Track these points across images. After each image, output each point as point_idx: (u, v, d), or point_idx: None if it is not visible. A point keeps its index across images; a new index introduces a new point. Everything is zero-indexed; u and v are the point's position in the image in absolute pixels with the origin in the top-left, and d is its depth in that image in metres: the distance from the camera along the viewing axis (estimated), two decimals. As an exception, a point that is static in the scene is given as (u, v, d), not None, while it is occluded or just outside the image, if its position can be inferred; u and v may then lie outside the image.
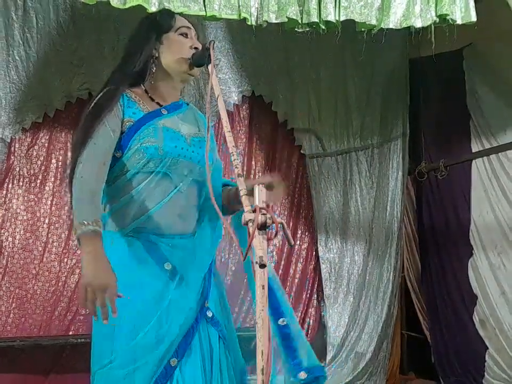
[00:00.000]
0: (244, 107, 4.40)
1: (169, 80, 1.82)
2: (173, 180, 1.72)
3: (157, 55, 1.80)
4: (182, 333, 1.65)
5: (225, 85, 4.19)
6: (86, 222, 1.51)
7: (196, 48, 1.79)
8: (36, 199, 3.82)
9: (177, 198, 1.71)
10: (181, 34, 1.82)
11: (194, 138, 1.80)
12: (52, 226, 3.84)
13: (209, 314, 1.71)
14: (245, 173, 4.32)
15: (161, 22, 1.83)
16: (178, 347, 1.63)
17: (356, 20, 2.82)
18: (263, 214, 1.23)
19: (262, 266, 1.19)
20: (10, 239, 3.74)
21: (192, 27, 1.85)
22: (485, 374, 4.07)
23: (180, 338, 1.64)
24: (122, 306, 1.53)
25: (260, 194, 1.30)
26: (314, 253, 4.52)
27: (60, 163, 3.89)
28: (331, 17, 2.73)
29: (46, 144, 3.87)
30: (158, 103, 1.79)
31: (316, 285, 4.51)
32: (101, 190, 1.63)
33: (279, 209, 4.46)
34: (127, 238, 1.67)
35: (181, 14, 2.54)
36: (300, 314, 4.44)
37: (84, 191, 1.57)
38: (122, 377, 1.56)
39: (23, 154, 3.82)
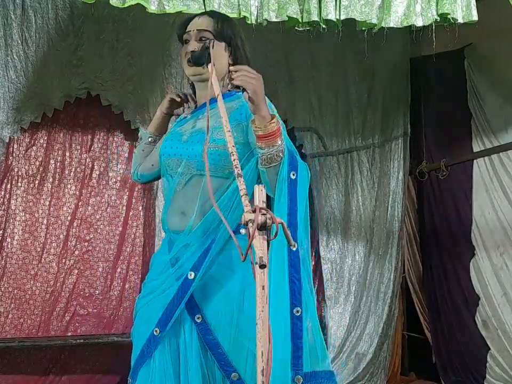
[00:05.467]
0: (243, 106, 4.38)
1: (195, 85, 1.91)
2: (174, 179, 1.80)
3: None
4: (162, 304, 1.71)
5: (224, 84, 4.17)
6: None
7: (191, 51, 1.81)
8: (34, 199, 3.81)
9: (176, 196, 1.79)
10: (185, 42, 1.87)
11: (198, 133, 1.77)
12: (50, 227, 3.83)
13: (198, 319, 1.67)
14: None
15: (178, 37, 1.93)
16: (161, 317, 1.69)
17: (357, 19, 2.80)
18: (263, 214, 1.22)
19: (262, 266, 1.18)
20: (8, 239, 3.74)
21: (193, 30, 1.84)
22: (486, 374, 4.06)
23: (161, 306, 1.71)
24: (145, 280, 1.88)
25: (260, 194, 1.28)
26: (315, 253, 4.50)
27: (59, 163, 3.89)
28: (331, 16, 2.71)
29: (45, 145, 3.87)
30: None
31: (317, 285, 4.50)
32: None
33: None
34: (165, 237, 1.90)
35: (180, 12, 2.57)
36: (300, 315, 4.42)
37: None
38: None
39: (21, 155, 3.81)
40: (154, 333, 1.69)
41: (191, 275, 1.67)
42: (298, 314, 1.57)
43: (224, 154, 1.68)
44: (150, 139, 2.01)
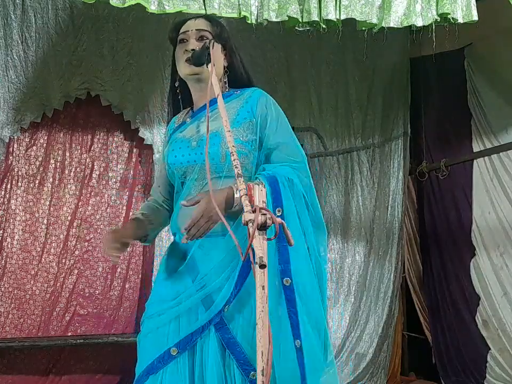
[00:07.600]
0: (243, 106, 4.37)
1: (190, 87, 1.87)
2: (188, 185, 1.78)
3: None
4: (188, 327, 1.67)
5: (225, 84, 4.17)
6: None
7: (192, 50, 1.79)
8: (34, 199, 3.81)
9: None
10: (181, 42, 1.85)
11: (204, 137, 1.73)
12: (51, 227, 3.83)
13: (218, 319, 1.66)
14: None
15: (170, 40, 1.91)
16: (183, 339, 1.65)
17: (357, 19, 2.80)
18: (263, 214, 1.22)
19: (262, 266, 1.17)
20: (8, 239, 3.74)
21: (191, 29, 1.83)
22: (486, 374, 4.06)
23: (185, 330, 1.66)
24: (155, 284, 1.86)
25: (260, 194, 1.28)
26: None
27: (58, 163, 3.89)
28: (331, 16, 2.71)
29: (45, 145, 3.87)
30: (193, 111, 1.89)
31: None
32: (152, 203, 1.98)
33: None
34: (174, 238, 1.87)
35: (180, 12, 2.57)
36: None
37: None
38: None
39: (21, 155, 3.81)
40: (172, 352, 1.66)
41: (226, 308, 1.64)
42: (298, 345, 1.60)
43: (240, 154, 1.67)
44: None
